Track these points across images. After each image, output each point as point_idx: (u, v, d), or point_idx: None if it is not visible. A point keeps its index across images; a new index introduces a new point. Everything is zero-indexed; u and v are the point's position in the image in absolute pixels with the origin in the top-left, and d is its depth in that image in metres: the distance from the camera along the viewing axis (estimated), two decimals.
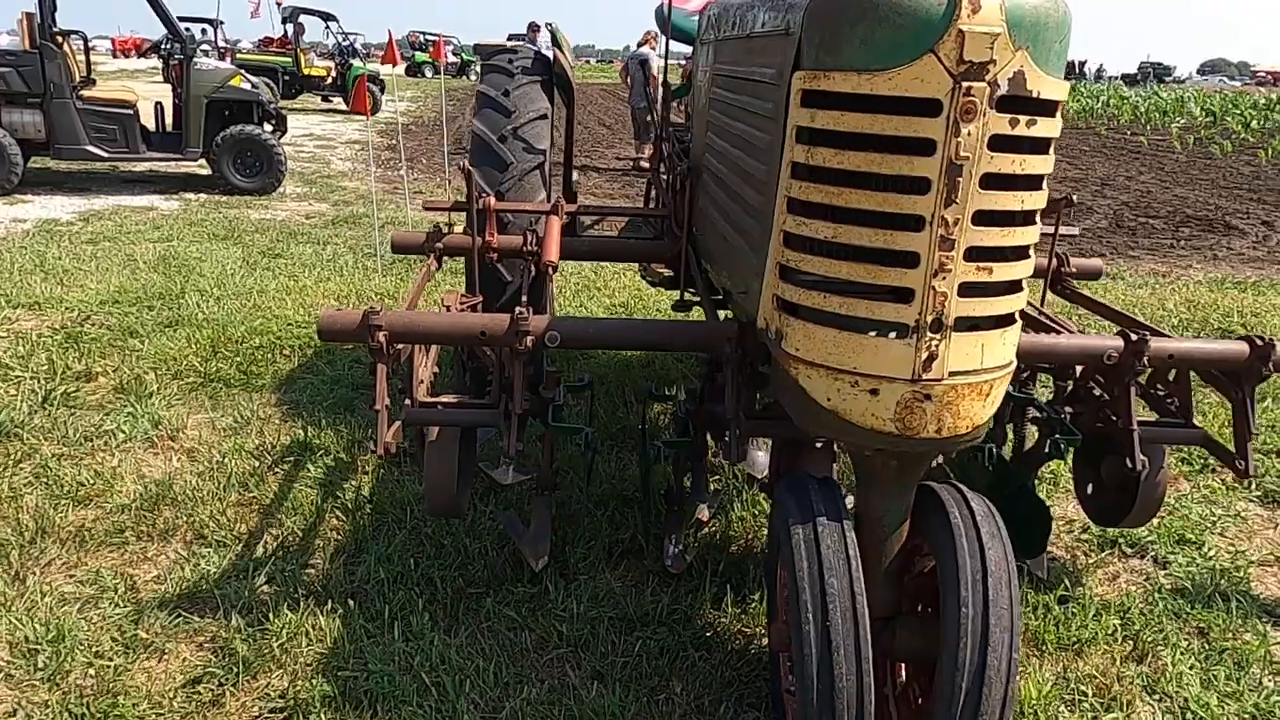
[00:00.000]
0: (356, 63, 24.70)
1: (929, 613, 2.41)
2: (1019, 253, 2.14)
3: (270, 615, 2.90)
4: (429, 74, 47.35)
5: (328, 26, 25.65)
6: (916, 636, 2.32)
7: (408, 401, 2.85)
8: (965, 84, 1.89)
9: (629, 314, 6.51)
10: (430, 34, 51.22)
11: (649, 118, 15.60)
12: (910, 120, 1.94)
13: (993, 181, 1.99)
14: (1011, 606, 2.12)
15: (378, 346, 2.67)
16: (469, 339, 2.74)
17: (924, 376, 2.07)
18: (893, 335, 2.08)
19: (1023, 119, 1.97)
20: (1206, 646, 2.98)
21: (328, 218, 10.13)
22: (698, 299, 3.86)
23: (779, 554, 2.56)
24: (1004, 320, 2.17)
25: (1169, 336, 3.07)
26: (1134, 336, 2.85)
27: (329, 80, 24.55)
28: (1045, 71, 1.96)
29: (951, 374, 2.08)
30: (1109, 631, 3.00)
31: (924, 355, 2.06)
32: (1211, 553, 3.56)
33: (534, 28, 16.57)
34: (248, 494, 3.72)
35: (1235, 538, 3.74)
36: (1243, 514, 3.91)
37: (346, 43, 25.60)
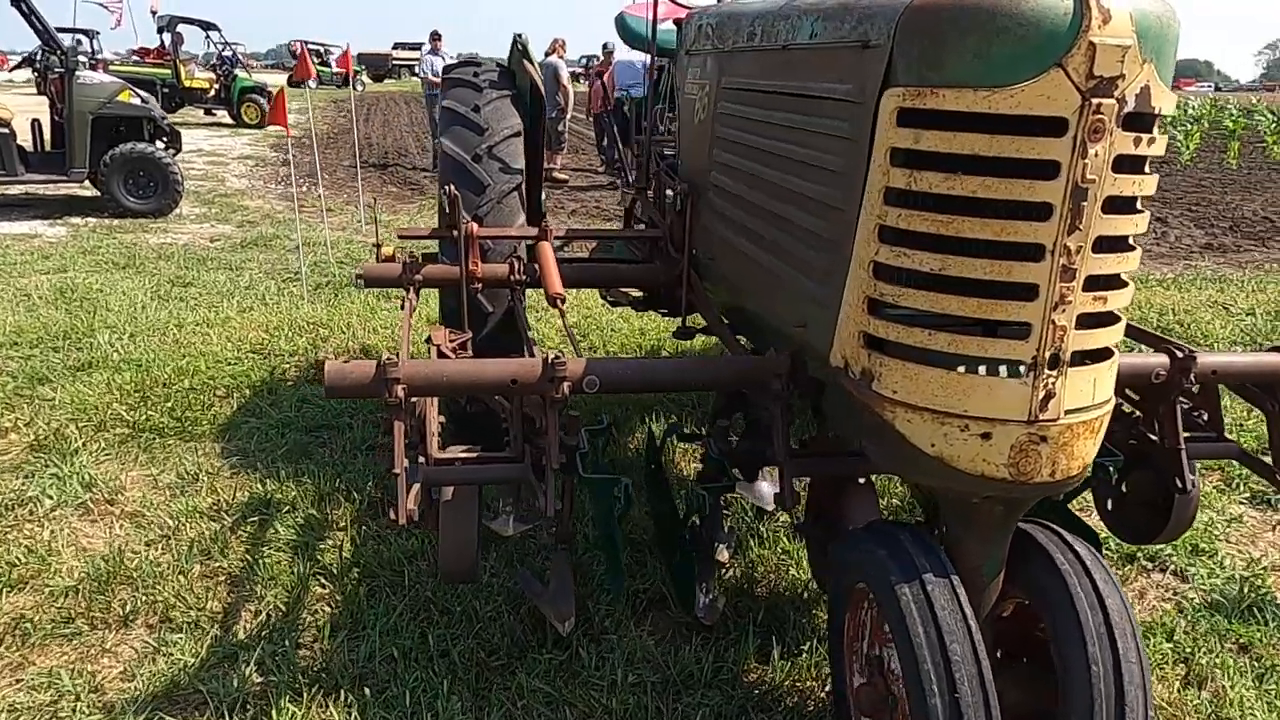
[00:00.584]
0: (241, 74, 23.56)
1: (1030, 663, 2.25)
2: (1127, 279, 2.00)
3: (271, 712, 2.54)
4: (312, 85, 45.89)
5: (208, 36, 24.41)
6: (1024, 691, 2.16)
7: (421, 459, 2.53)
8: (1095, 100, 1.73)
9: (584, 337, 6.24)
10: (312, 43, 49.60)
11: (560, 128, 15.34)
12: (1032, 141, 1.77)
13: (1114, 205, 1.84)
14: (1141, 661, 1.98)
15: (397, 402, 2.35)
16: (498, 388, 2.45)
17: (1040, 417, 1.91)
18: (1006, 374, 1.91)
19: (1144, 137, 1.83)
20: (1256, 665, 2.93)
21: (235, 240, 9.49)
22: (698, 327, 3.67)
23: (848, 608, 2.38)
24: (1112, 352, 2.03)
25: (1209, 351, 3.02)
26: (1179, 353, 2.78)
27: (212, 93, 23.34)
28: (1164, 85, 1.82)
29: (1067, 412, 1.93)
30: (1162, 656, 2.92)
31: (1041, 394, 1.90)
32: (1227, 561, 3.55)
33: (436, 36, 16.05)
34: (212, 564, 3.30)
35: (1240, 543, 3.74)
36: (1240, 518, 3.94)
37: (229, 53, 24.40)
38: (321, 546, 3.44)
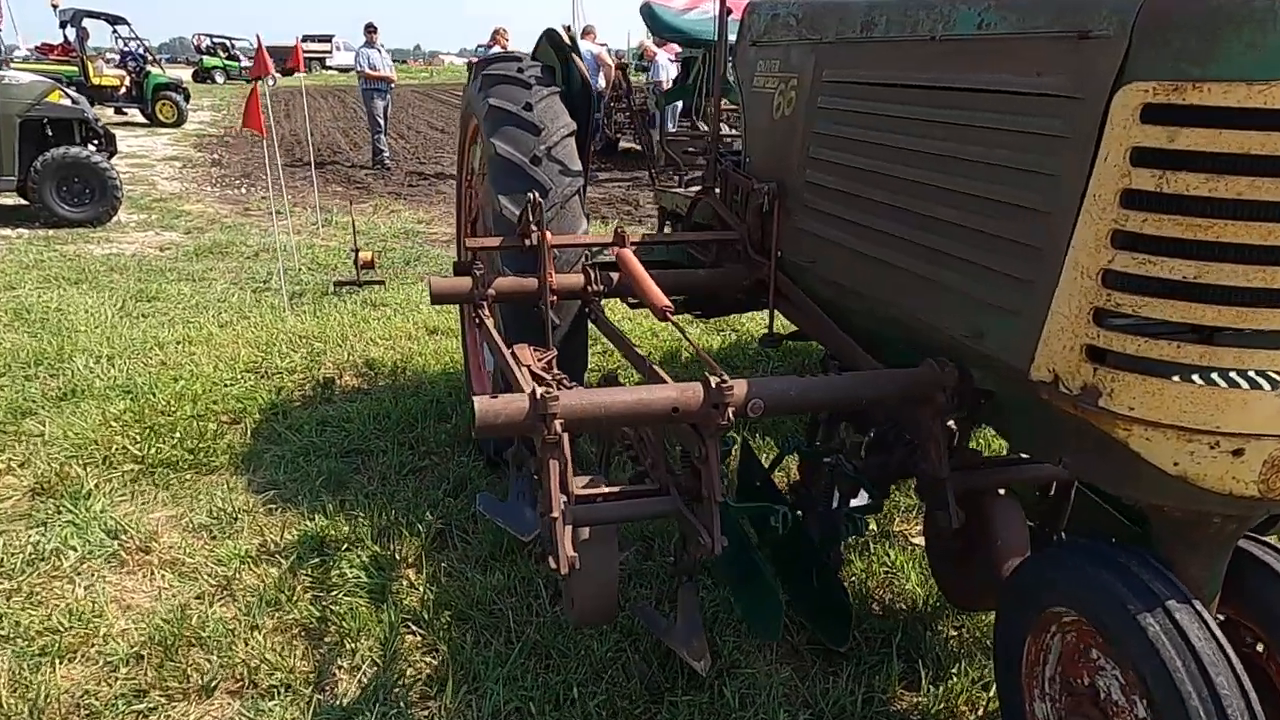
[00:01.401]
0: (155, 70, 22.42)
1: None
2: None
3: None
4: (219, 79, 44.02)
5: (115, 30, 23.15)
6: None
7: (563, 497, 2.30)
8: None
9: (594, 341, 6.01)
10: (218, 36, 47.65)
11: None
12: None
13: None
14: None
15: (555, 440, 2.12)
16: (659, 417, 2.23)
17: None
18: (1266, 387, 1.79)
19: None
20: None
21: (187, 249, 8.93)
22: (785, 333, 3.49)
23: (1031, 631, 2.25)
24: None
25: None
26: None
27: (123, 90, 22.14)
28: None
29: None
30: None
31: None
32: None
33: (371, 29, 15.45)
34: (283, 616, 3.00)
35: None
36: None
37: (139, 49, 23.19)
38: (397, 588, 3.16)
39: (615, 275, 3.31)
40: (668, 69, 14.02)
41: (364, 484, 3.94)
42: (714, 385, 2.20)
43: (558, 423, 2.11)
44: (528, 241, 3.22)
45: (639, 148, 14.66)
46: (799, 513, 2.85)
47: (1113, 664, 2.03)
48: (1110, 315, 1.89)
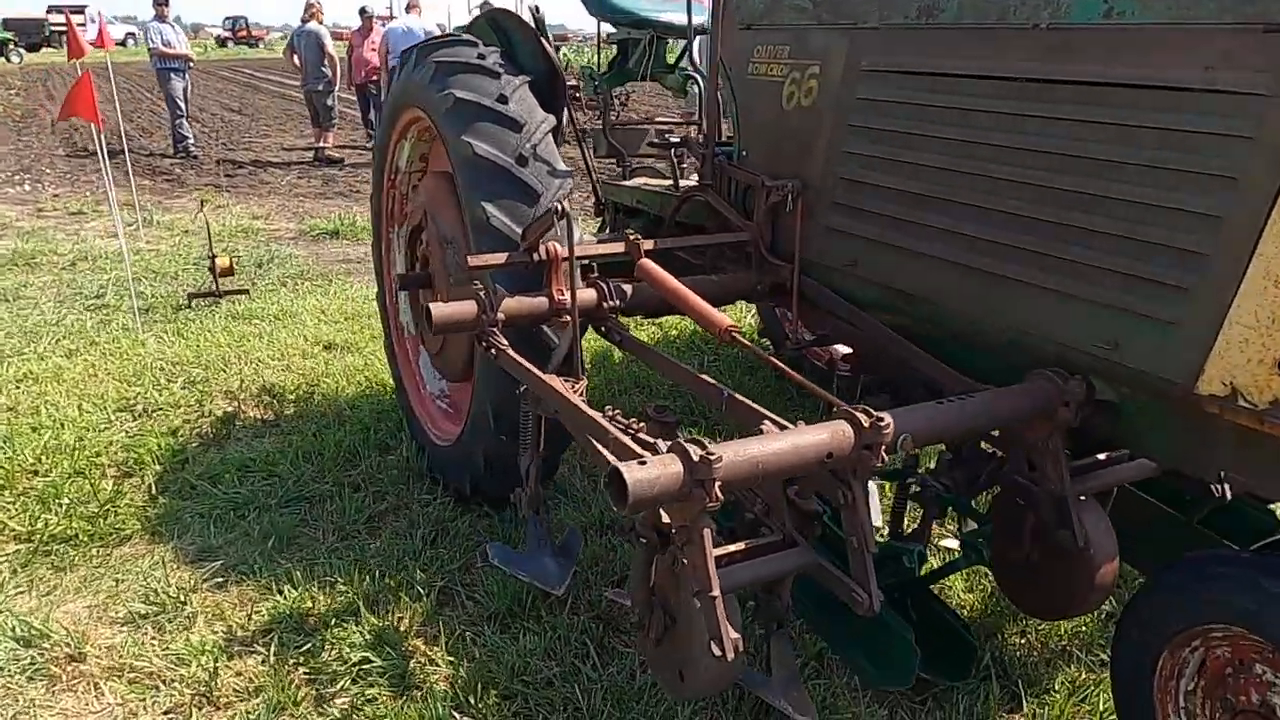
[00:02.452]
0: None
1: None
2: None
3: None
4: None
5: None
6: None
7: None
8: None
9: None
10: None
11: (329, 102, 13.84)
12: None
13: None
14: None
15: (716, 506, 1.80)
16: (810, 465, 1.94)
17: None
18: None
19: None
20: None
21: None
22: (807, 340, 3.27)
23: (1169, 645, 2.17)
24: None
25: None
26: None
27: None
28: None
29: None
30: None
31: None
32: None
33: (161, 1, 13.77)
34: None
35: None
36: None
37: None
38: (416, 668, 2.72)
39: (628, 288, 2.97)
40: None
41: (320, 539, 3.40)
42: (867, 424, 1.94)
43: (717, 486, 1.79)
44: (536, 256, 2.83)
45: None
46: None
47: None
48: None
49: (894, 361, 2.73)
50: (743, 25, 3.24)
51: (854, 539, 2.02)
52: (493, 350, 2.77)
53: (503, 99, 3.17)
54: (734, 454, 1.84)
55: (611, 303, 2.93)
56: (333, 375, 4.95)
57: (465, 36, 3.49)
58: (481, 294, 2.77)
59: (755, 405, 2.27)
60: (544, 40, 3.44)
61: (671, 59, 4.54)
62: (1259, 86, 1.80)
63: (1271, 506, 2.85)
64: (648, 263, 2.86)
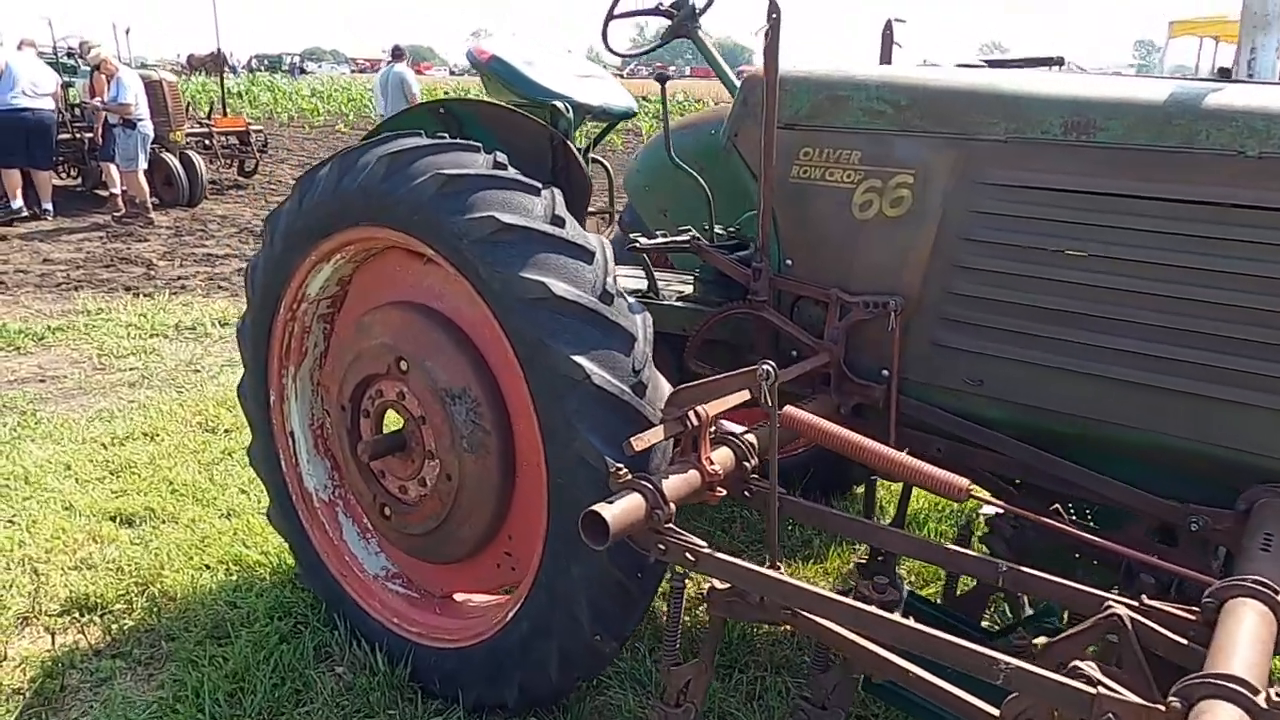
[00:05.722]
0: None
1: None
2: None
3: None
4: None
5: None
6: None
7: None
8: None
9: None
10: None
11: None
12: None
13: None
14: None
15: None
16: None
17: None
18: None
19: None
20: None
21: None
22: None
23: None
24: None
25: None
26: None
27: None
28: None
29: None
30: None
31: None
32: None
33: None
34: None
35: None
36: None
37: None
38: None
39: (753, 439, 2.53)
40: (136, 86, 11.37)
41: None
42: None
43: None
44: (686, 425, 2.29)
45: None
46: None
47: None
48: None
49: (1048, 482, 2.64)
50: (785, 124, 2.94)
51: None
52: (665, 548, 2.20)
53: (558, 221, 2.55)
54: None
55: (751, 461, 2.48)
56: (157, 561, 3.70)
57: (455, 141, 2.73)
58: (646, 486, 2.18)
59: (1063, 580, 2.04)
60: (570, 145, 2.83)
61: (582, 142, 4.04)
62: None
63: None
64: (798, 412, 2.46)
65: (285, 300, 3.12)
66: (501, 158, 2.69)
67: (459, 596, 3.19)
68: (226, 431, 5.07)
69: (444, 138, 2.76)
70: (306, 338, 3.23)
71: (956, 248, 2.68)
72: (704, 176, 3.49)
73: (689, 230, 3.31)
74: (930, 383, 2.80)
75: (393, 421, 3.03)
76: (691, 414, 2.30)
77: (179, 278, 9.18)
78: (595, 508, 2.09)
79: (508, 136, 2.95)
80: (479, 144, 2.72)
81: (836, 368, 2.90)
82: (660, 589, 2.77)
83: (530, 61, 3.49)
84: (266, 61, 76.38)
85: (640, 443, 2.20)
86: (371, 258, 3.05)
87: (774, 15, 2.76)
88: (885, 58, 3.46)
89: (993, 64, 3.73)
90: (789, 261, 3.02)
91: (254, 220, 12.53)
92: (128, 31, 20.01)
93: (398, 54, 13.96)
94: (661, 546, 2.20)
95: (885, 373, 2.84)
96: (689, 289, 3.43)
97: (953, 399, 2.77)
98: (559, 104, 3.04)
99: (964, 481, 2.24)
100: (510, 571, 2.94)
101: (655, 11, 3.42)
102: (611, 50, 3.60)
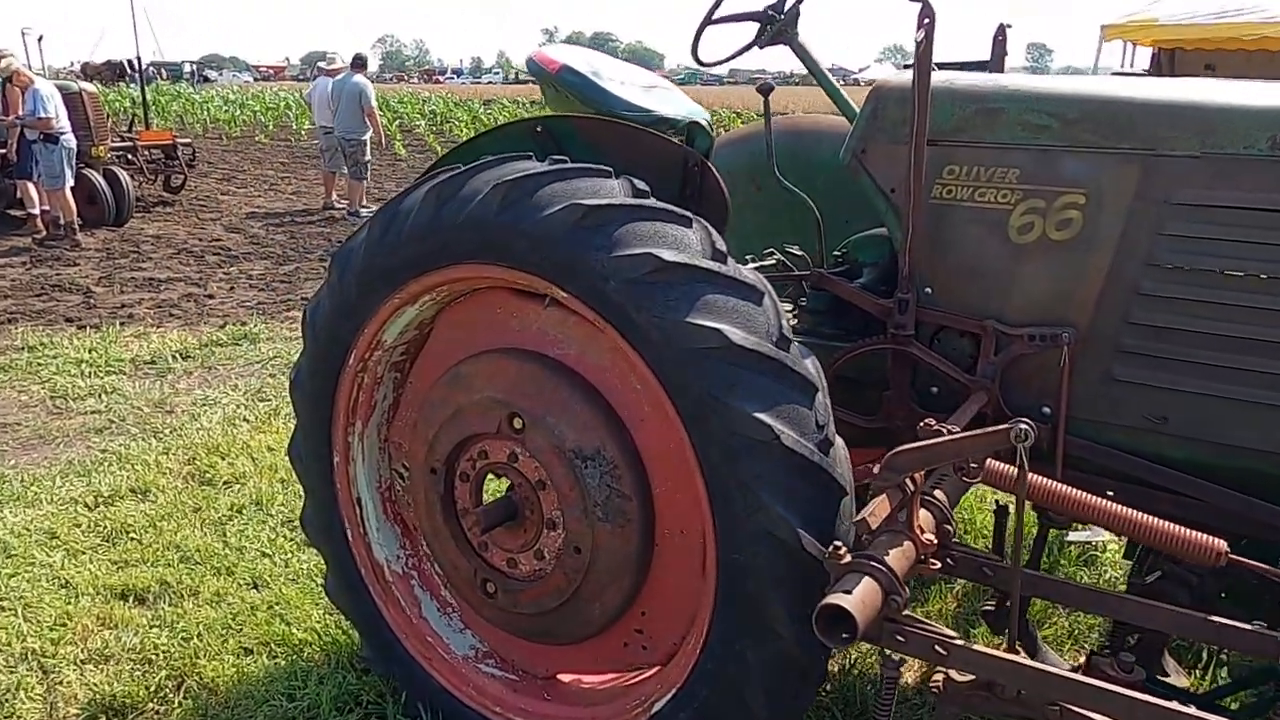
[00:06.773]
0: None
1: None
2: None
3: None
4: None
5: None
6: None
7: None
8: None
9: None
10: None
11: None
12: None
13: None
14: None
15: None
16: None
17: None
18: None
19: None
20: None
21: None
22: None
23: None
24: None
25: None
26: None
27: None
28: None
29: None
30: None
31: None
32: None
33: None
34: None
35: None
36: None
37: None
38: None
39: (944, 497, 2.24)
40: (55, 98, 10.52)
41: None
42: None
43: None
44: (905, 495, 1.98)
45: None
46: None
47: None
48: None
49: (1242, 526, 2.42)
50: (956, 143, 2.64)
51: None
52: (905, 639, 1.89)
53: (719, 256, 2.22)
54: None
55: (952, 526, 2.19)
56: (187, 647, 3.21)
57: (577, 164, 2.37)
58: (879, 569, 1.86)
59: None
60: (707, 162, 2.50)
61: None
62: None
63: None
64: (1044, 480, 2.15)
65: (357, 349, 2.70)
66: (640, 184, 2.34)
67: (564, 677, 2.82)
68: (227, 484, 4.55)
69: (564, 160, 2.40)
70: (377, 390, 2.82)
71: (1138, 274, 2.44)
72: (759, 193, 3.23)
73: (772, 253, 3.03)
74: (1103, 420, 2.55)
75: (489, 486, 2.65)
76: (908, 481, 2.00)
77: (123, 305, 8.46)
78: (835, 600, 1.77)
79: (630, 157, 2.60)
80: (609, 168, 2.36)
81: (995, 407, 2.63)
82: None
83: (596, 71, 3.15)
84: (165, 70, 73.34)
85: (874, 520, 1.88)
86: (461, 298, 2.66)
87: (927, 19, 2.50)
88: (996, 65, 3.22)
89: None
90: (928, 290, 2.74)
91: (190, 240, 11.77)
92: (40, 39, 18.74)
93: (359, 63, 13.04)
94: (901, 638, 1.89)
95: (1047, 410, 2.59)
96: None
97: (1129, 438, 2.53)
98: (700, 121, 2.70)
99: (1222, 545, 1.99)
100: (640, 651, 2.59)
101: (756, 16, 3.11)
102: (699, 60, 3.27)
